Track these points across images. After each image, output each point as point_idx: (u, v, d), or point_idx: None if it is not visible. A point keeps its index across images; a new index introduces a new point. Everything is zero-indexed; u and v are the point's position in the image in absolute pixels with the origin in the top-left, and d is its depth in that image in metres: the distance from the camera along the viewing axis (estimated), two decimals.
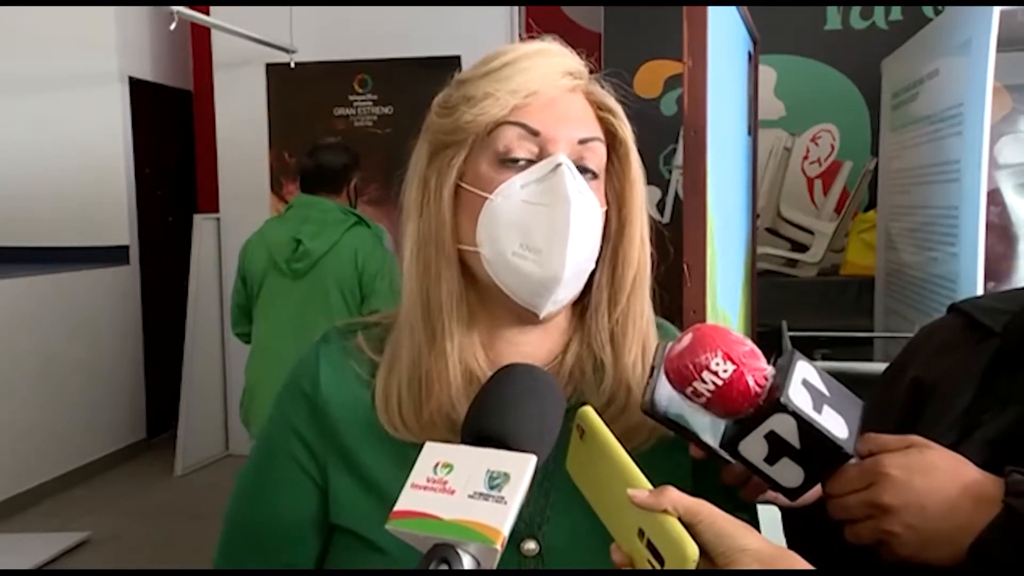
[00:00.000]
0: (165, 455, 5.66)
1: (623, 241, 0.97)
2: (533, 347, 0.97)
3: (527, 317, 0.95)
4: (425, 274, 0.94)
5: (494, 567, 0.69)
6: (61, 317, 5.37)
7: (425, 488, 0.72)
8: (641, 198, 0.98)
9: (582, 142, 0.92)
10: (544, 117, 0.91)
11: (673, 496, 0.74)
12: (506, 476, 0.71)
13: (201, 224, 5.56)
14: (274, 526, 0.98)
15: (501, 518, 0.69)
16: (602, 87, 0.97)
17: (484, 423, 0.76)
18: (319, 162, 3.32)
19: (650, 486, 0.75)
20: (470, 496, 0.70)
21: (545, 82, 0.92)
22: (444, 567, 0.67)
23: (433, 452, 0.75)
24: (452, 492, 0.71)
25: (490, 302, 0.95)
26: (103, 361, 5.67)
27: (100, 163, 5.75)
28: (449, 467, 0.73)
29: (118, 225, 5.85)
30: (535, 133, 0.91)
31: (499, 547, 0.68)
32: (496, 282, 0.92)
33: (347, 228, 3.20)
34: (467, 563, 0.68)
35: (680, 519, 0.73)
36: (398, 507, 0.72)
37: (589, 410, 0.82)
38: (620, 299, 0.97)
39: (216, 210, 5.68)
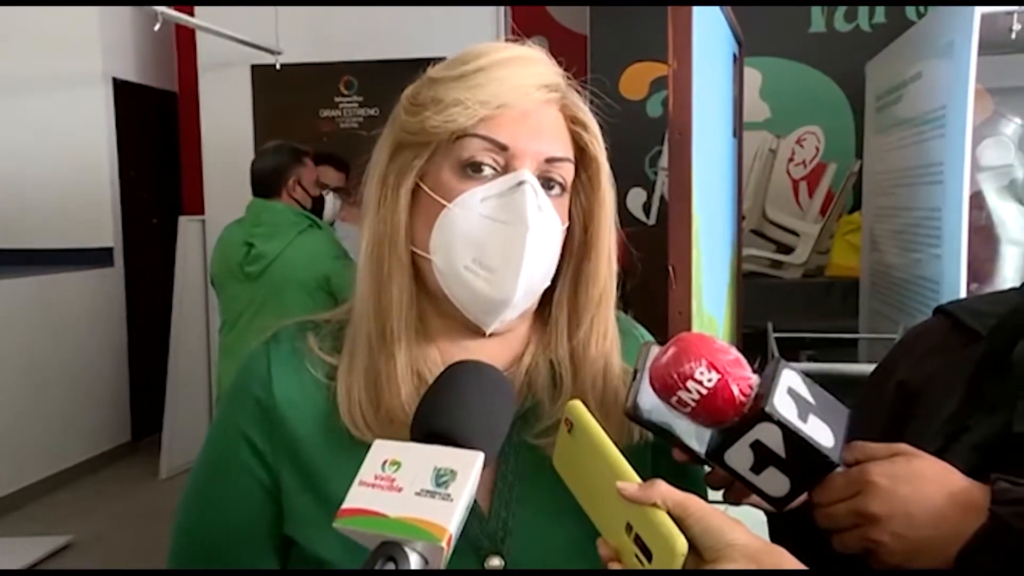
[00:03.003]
0: (150, 458, 5.62)
1: (588, 260, 0.95)
2: (489, 355, 0.93)
3: (475, 329, 0.94)
4: (378, 273, 0.92)
5: (442, 565, 0.69)
6: (45, 319, 5.33)
7: (373, 486, 0.71)
8: (609, 217, 0.96)
9: (549, 161, 0.90)
10: (513, 131, 0.88)
11: (663, 490, 0.74)
12: (453, 473, 0.71)
13: (186, 226, 5.52)
14: (228, 539, 0.94)
15: (447, 516, 0.68)
16: (579, 92, 0.95)
17: (431, 420, 0.76)
18: (253, 169, 3.37)
19: (639, 480, 0.75)
20: (417, 494, 0.70)
21: (518, 94, 0.89)
22: (391, 565, 0.67)
23: (381, 449, 0.74)
24: (399, 490, 0.71)
25: (442, 309, 0.94)
26: (87, 363, 5.63)
27: (84, 164, 5.70)
28: (397, 464, 0.72)
29: (102, 227, 5.81)
30: (503, 147, 0.88)
31: (445, 545, 0.68)
32: (445, 292, 0.91)
33: (300, 231, 3.21)
34: (414, 561, 0.68)
35: (669, 513, 0.73)
36: (345, 505, 0.71)
37: (578, 404, 0.82)
38: (583, 319, 0.95)
39: (201, 212, 5.64)
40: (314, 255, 3.15)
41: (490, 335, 0.95)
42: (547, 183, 0.90)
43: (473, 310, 0.91)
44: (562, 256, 0.94)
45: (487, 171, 0.89)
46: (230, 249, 3.24)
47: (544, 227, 0.89)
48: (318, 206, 3.45)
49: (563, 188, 0.92)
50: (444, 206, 0.89)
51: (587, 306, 0.96)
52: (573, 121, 0.93)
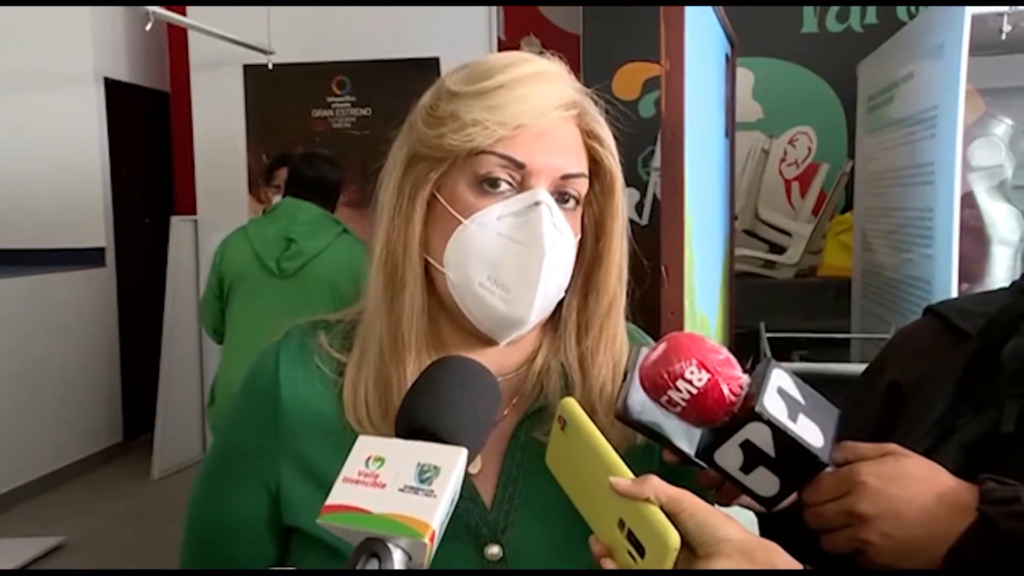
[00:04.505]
0: (142, 458, 5.61)
1: (599, 270, 0.96)
2: (499, 358, 0.96)
3: (487, 339, 0.95)
4: (391, 280, 0.93)
5: (424, 561, 0.69)
6: (37, 319, 5.31)
7: (356, 482, 0.72)
8: (621, 229, 0.97)
9: (565, 177, 0.91)
10: (530, 149, 0.89)
11: (656, 485, 0.74)
12: (436, 469, 0.71)
13: (178, 226, 5.51)
14: (229, 529, 0.98)
15: (430, 511, 0.69)
16: (596, 103, 0.95)
17: (415, 416, 0.76)
18: (320, 174, 3.30)
19: (632, 476, 0.76)
20: (400, 490, 0.70)
21: (536, 115, 0.89)
22: (375, 561, 0.67)
23: (365, 445, 0.74)
24: (383, 486, 0.71)
25: (454, 317, 0.95)
26: (79, 364, 5.62)
27: (76, 164, 5.69)
28: (380, 460, 0.72)
29: (94, 227, 5.80)
30: (520, 165, 0.89)
31: (428, 541, 0.68)
32: (459, 306, 0.92)
33: (338, 234, 3.20)
34: (398, 557, 0.68)
35: (662, 508, 0.73)
36: (329, 501, 0.71)
37: (571, 401, 0.82)
38: (592, 326, 0.97)
39: (193, 212, 5.63)
40: (350, 261, 3.13)
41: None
42: (561, 197, 0.91)
43: (487, 325, 0.92)
44: (573, 264, 0.95)
45: (503, 187, 0.90)
46: (262, 243, 3.20)
47: (560, 247, 0.90)
48: None
49: (577, 201, 0.93)
50: (460, 222, 0.90)
51: (596, 314, 0.97)
52: (589, 135, 0.94)
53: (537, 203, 0.89)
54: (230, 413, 1.02)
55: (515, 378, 0.97)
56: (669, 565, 0.71)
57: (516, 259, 0.89)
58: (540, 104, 0.90)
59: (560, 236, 0.90)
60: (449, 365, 0.81)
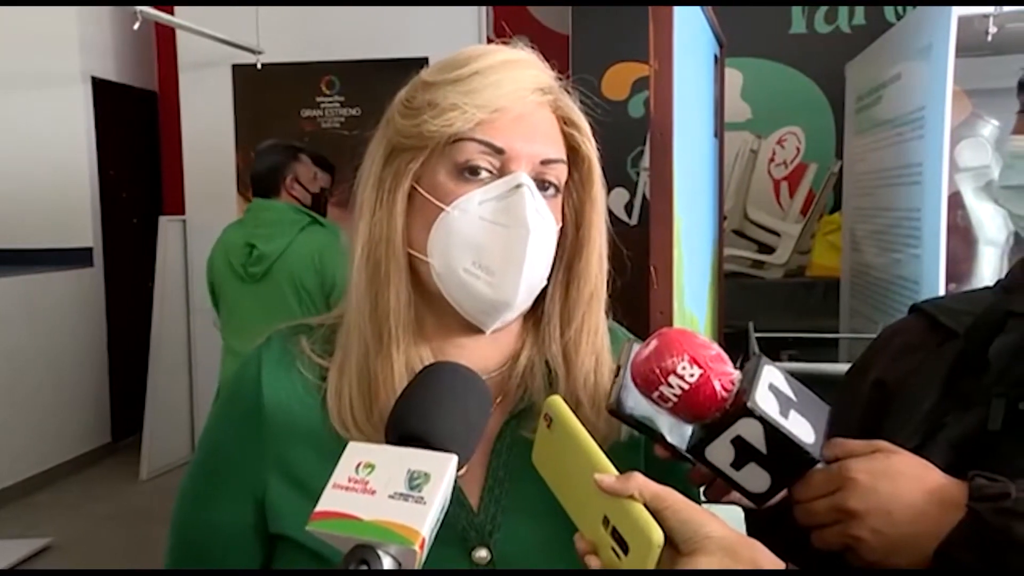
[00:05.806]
0: (130, 459, 5.59)
1: (580, 259, 0.96)
2: (483, 353, 0.96)
3: (472, 329, 0.94)
4: (374, 276, 0.93)
5: (416, 568, 0.69)
6: (24, 320, 5.29)
7: (346, 488, 0.72)
8: (601, 217, 0.97)
9: (544, 163, 0.91)
10: (509, 134, 0.89)
11: (640, 482, 0.74)
12: (426, 476, 0.71)
13: (166, 226, 5.49)
14: (214, 536, 0.97)
15: (420, 519, 0.69)
16: (569, 93, 0.96)
17: (405, 422, 0.76)
18: (253, 170, 3.34)
19: (617, 473, 0.76)
20: (390, 496, 0.70)
21: (513, 98, 0.90)
22: (363, 568, 0.67)
23: (356, 452, 0.74)
24: (373, 492, 0.71)
25: (438, 310, 0.94)
26: (67, 364, 5.59)
27: (63, 164, 5.66)
28: (371, 467, 0.72)
29: (82, 227, 5.77)
30: (499, 151, 0.89)
31: (418, 548, 0.68)
32: (444, 295, 0.91)
33: (301, 228, 3.18)
34: (387, 564, 0.68)
35: (646, 505, 0.73)
36: (319, 508, 0.71)
37: (558, 399, 0.82)
38: (575, 316, 0.97)
39: (182, 212, 5.62)
40: (318, 254, 3.12)
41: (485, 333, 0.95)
42: (542, 184, 0.91)
43: (473, 312, 0.92)
44: (554, 254, 0.95)
45: (483, 174, 0.90)
46: (232, 251, 3.21)
47: (543, 229, 0.90)
48: (319, 203, 3.42)
49: (557, 189, 0.93)
50: (442, 209, 0.89)
51: (578, 304, 0.97)
52: (566, 122, 0.94)
53: (518, 186, 0.88)
54: (213, 420, 1.01)
55: (499, 376, 0.97)
56: (652, 562, 0.71)
57: (501, 242, 0.88)
58: (516, 88, 0.90)
59: (542, 220, 0.90)
60: (440, 371, 0.81)
